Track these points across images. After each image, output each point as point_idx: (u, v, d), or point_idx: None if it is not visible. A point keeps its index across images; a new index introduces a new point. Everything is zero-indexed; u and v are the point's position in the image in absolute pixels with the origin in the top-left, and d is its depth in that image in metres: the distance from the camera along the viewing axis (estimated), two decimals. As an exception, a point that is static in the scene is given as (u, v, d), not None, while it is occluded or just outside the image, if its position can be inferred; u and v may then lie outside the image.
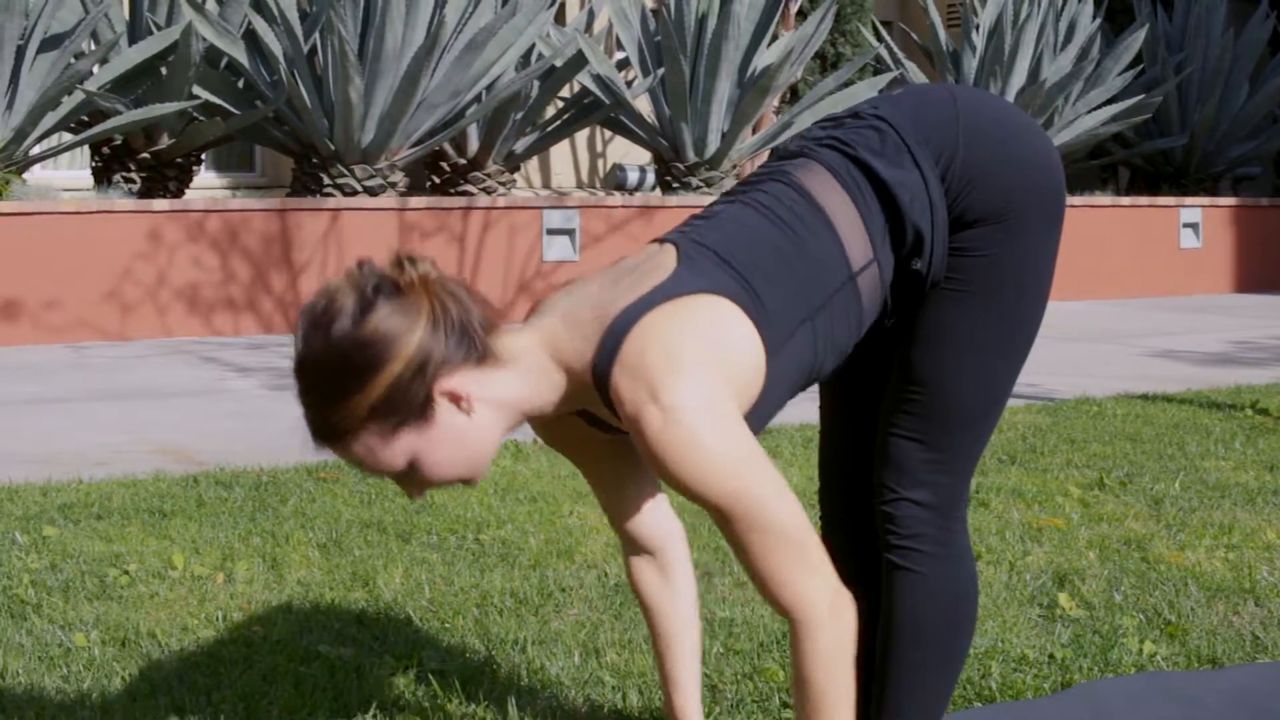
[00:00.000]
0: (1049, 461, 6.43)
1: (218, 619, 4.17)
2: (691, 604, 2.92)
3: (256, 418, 7.81)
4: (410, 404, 2.41)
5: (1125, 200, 16.50)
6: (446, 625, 4.13)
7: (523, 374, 2.51)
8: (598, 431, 2.71)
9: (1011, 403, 8.12)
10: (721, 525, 2.43)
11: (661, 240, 2.64)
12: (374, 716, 3.45)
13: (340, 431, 2.44)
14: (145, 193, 12.73)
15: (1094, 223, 15.87)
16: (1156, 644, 3.95)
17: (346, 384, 2.40)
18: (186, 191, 13.27)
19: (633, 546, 2.89)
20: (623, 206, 13.55)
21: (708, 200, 13.72)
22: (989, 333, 2.71)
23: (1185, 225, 16.62)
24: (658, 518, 2.87)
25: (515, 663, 3.81)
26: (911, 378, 2.73)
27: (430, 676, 3.70)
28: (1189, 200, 16.81)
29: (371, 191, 12.83)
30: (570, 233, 13.24)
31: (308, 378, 2.45)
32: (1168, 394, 8.59)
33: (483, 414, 2.48)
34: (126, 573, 4.58)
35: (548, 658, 3.85)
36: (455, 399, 2.44)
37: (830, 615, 2.42)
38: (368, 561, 4.75)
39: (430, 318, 2.40)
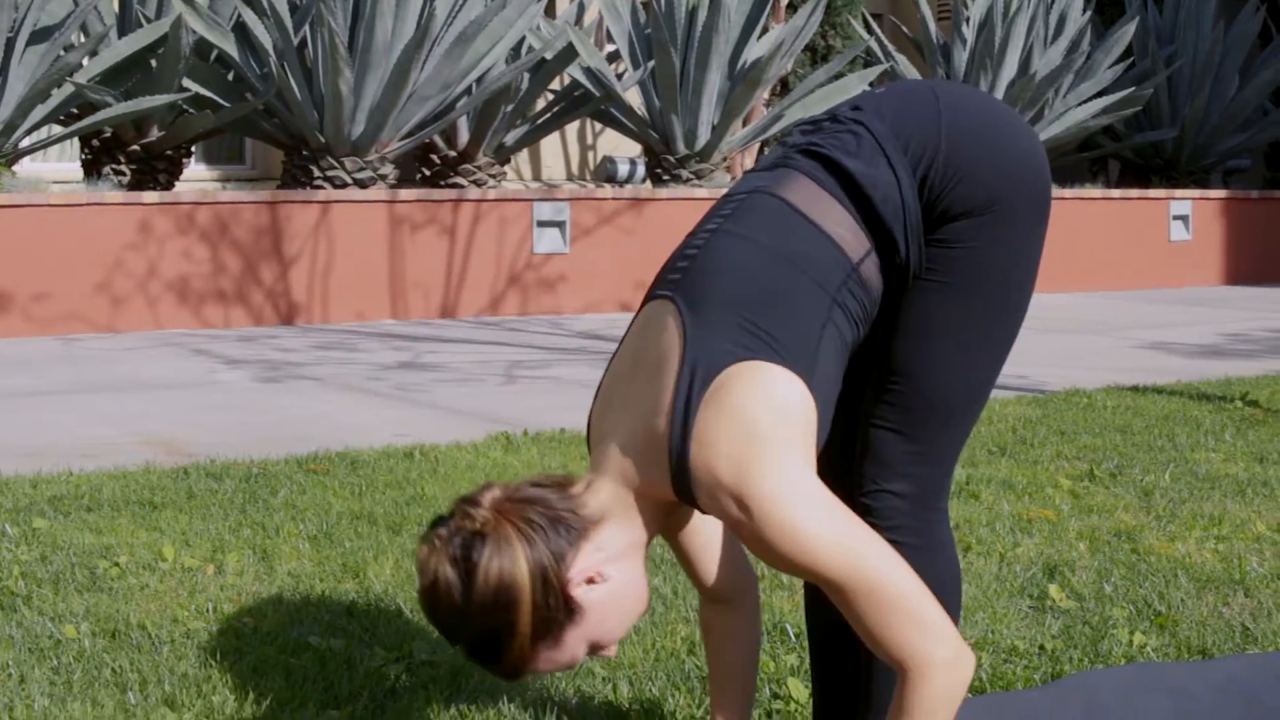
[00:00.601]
0: (1039, 453, 6.43)
1: (208, 610, 4.17)
2: (755, 653, 2.99)
3: (247, 410, 7.80)
4: (556, 614, 2.47)
5: (1115, 193, 16.50)
6: (437, 617, 4.12)
7: (622, 518, 2.56)
8: None
9: (1001, 394, 8.13)
10: (835, 596, 2.46)
11: (659, 296, 2.65)
12: (364, 708, 3.45)
13: (520, 667, 2.52)
14: (135, 185, 12.71)
15: (1084, 215, 15.88)
16: (1147, 635, 3.96)
17: (498, 639, 2.47)
18: (176, 184, 13.24)
19: (707, 593, 2.94)
20: (613, 199, 13.55)
21: (699, 192, 13.73)
22: (971, 325, 2.72)
23: (1175, 218, 16.62)
24: (732, 568, 2.92)
25: (506, 654, 3.81)
26: (893, 369, 2.73)
27: (420, 668, 3.70)
28: (1179, 193, 16.80)
29: (361, 184, 12.81)
30: (560, 225, 13.23)
31: (465, 646, 2.52)
32: (1158, 386, 8.60)
33: (616, 572, 2.53)
34: (117, 564, 4.58)
35: (538, 649, 3.84)
36: (589, 581, 2.50)
37: (946, 668, 2.42)
38: (358, 553, 4.74)
39: (522, 537, 2.45)
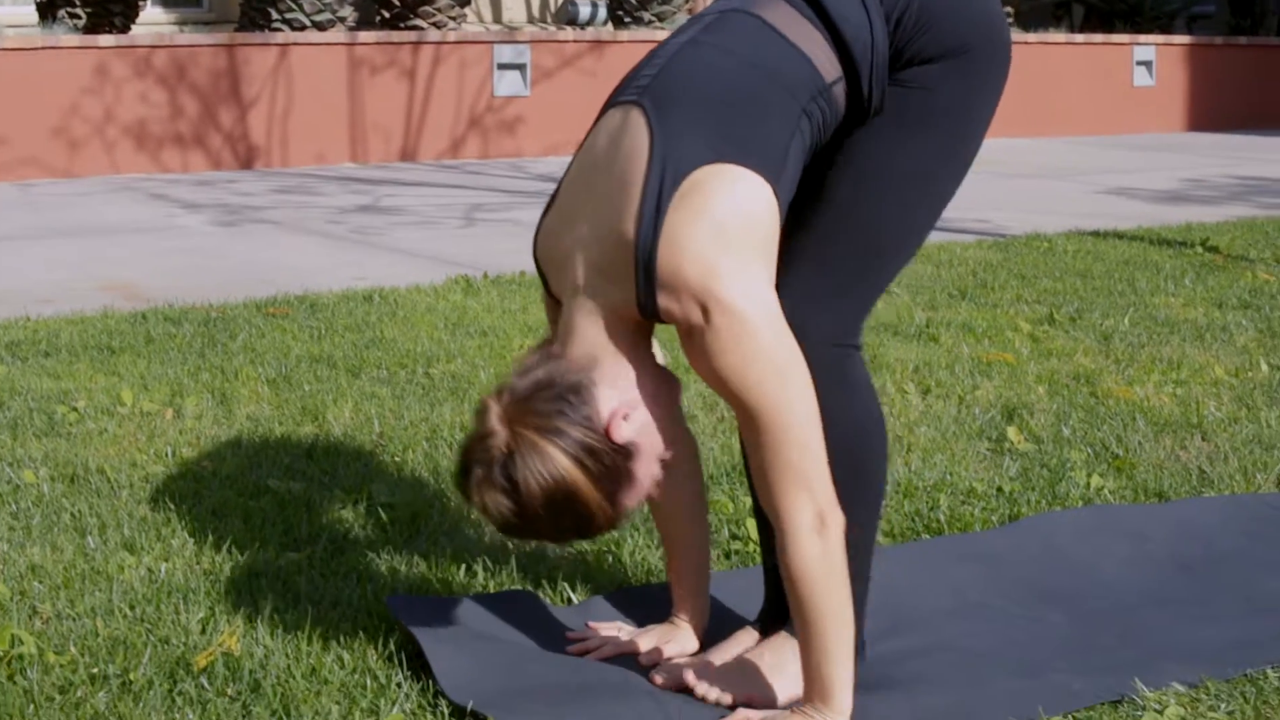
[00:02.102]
0: (999, 297, 6.44)
1: (167, 455, 4.16)
2: (703, 517, 3.00)
3: (205, 254, 7.76)
4: (617, 467, 2.50)
5: (1079, 38, 16.43)
6: (396, 459, 4.13)
7: (610, 347, 2.57)
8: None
9: (962, 238, 8.13)
10: (741, 420, 2.51)
11: (617, 102, 2.64)
12: (324, 550, 3.45)
13: (615, 520, 2.55)
14: (90, 29, 12.56)
15: (1048, 60, 15.81)
16: (1104, 478, 3.97)
17: (581, 520, 2.51)
18: (133, 27, 13.09)
19: None
20: (574, 41, 13.44)
21: (661, 35, 13.61)
22: (916, 169, 2.72)
23: (1139, 63, 16.56)
24: (674, 432, 2.88)
25: (465, 497, 3.81)
26: (826, 200, 2.71)
27: (379, 510, 3.70)
28: (1143, 38, 16.74)
29: (320, 26, 12.68)
30: (521, 68, 13.13)
31: (561, 539, 2.60)
32: (1119, 231, 8.60)
33: (635, 394, 2.56)
34: (75, 409, 4.56)
35: (498, 492, 3.85)
36: (624, 418, 2.51)
37: (811, 532, 2.49)
38: (317, 396, 4.73)
39: (544, 433, 2.46)
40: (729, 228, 2.46)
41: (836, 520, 2.52)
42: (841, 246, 2.71)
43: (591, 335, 2.56)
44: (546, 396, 2.47)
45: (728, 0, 2.73)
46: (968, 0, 2.70)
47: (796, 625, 2.56)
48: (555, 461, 2.44)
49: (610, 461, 2.48)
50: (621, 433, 2.49)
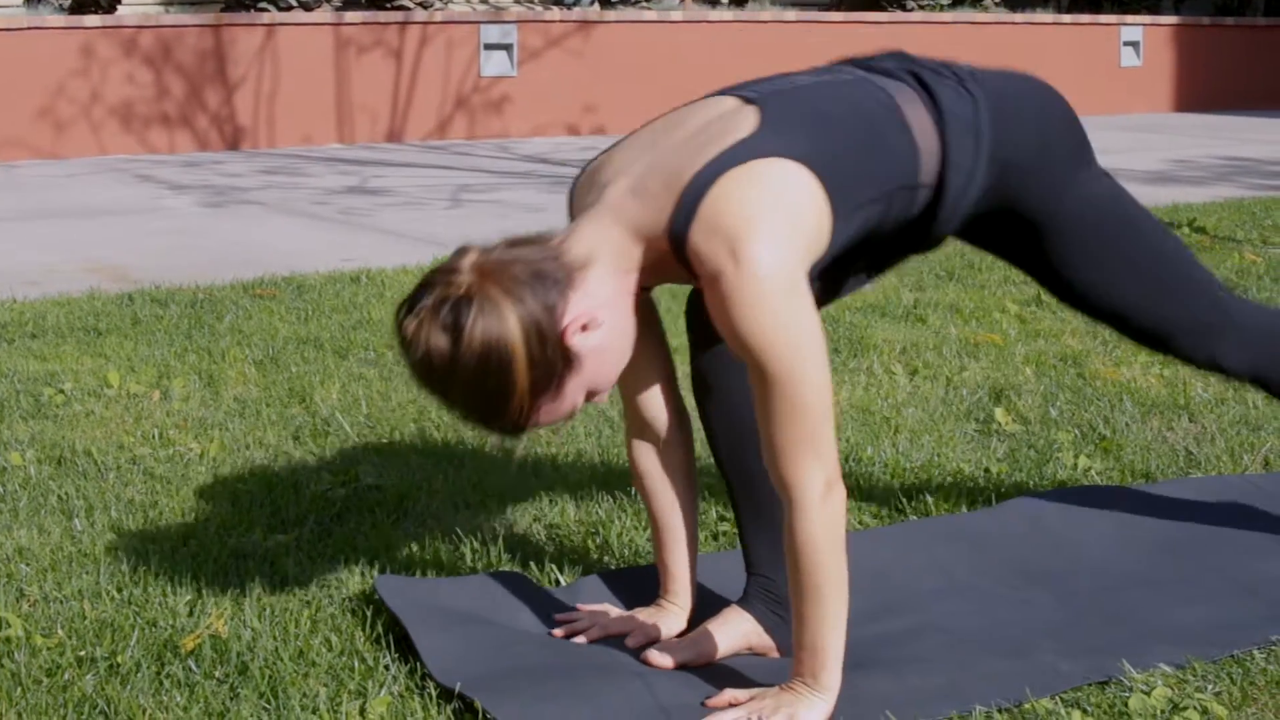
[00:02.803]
0: (986, 278, 6.44)
1: (154, 437, 4.16)
2: (690, 498, 2.97)
3: (192, 235, 7.75)
4: (555, 365, 2.48)
5: (1066, 18, 16.42)
6: (384, 440, 4.13)
7: (609, 262, 2.56)
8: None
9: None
10: (755, 383, 2.50)
11: (737, 95, 2.70)
12: (311, 531, 3.45)
13: (522, 423, 2.52)
14: (76, 9, 12.52)
15: (1034, 40, 15.80)
16: (1091, 459, 3.98)
17: (496, 397, 2.47)
18: (119, 7, 13.06)
19: (639, 428, 2.93)
20: (561, 21, 13.42)
21: (648, 15, 13.61)
22: (1113, 265, 2.98)
23: (1126, 44, 16.56)
24: (668, 406, 2.91)
25: (452, 477, 3.82)
26: (1097, 316, 3.05)
27: (367, 492, 3.70)
28: (1130, 18, 16.74)
29: (306, 6, 12.65)
30: (508, 48, 13.11)
31: (463, 411, 2.52)
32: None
33: (608, 316, 2.54)
34: (62, 391, 4.56)
35: (485, 472, 3.85)
36: (583, 328, 2.50)
37: (819, 501, 2.50)
38: (304, 378, 4.73)
39: (509, 295, 2.44)
40: (786, 200, 2.50)
41: (841, 492, 2.53)
42: (1134, 298, 3.01)
43: (594, 243, 2.56)
44: (524, 269, 2.46)
45: (864, 70, 2.83)
46: (1062, 179, 2.92)
47: (793, 597, 2.57)
48: (507, 323, 2.42)
49: (551, 355, 2.46)
50: (574, 338, 2.48)
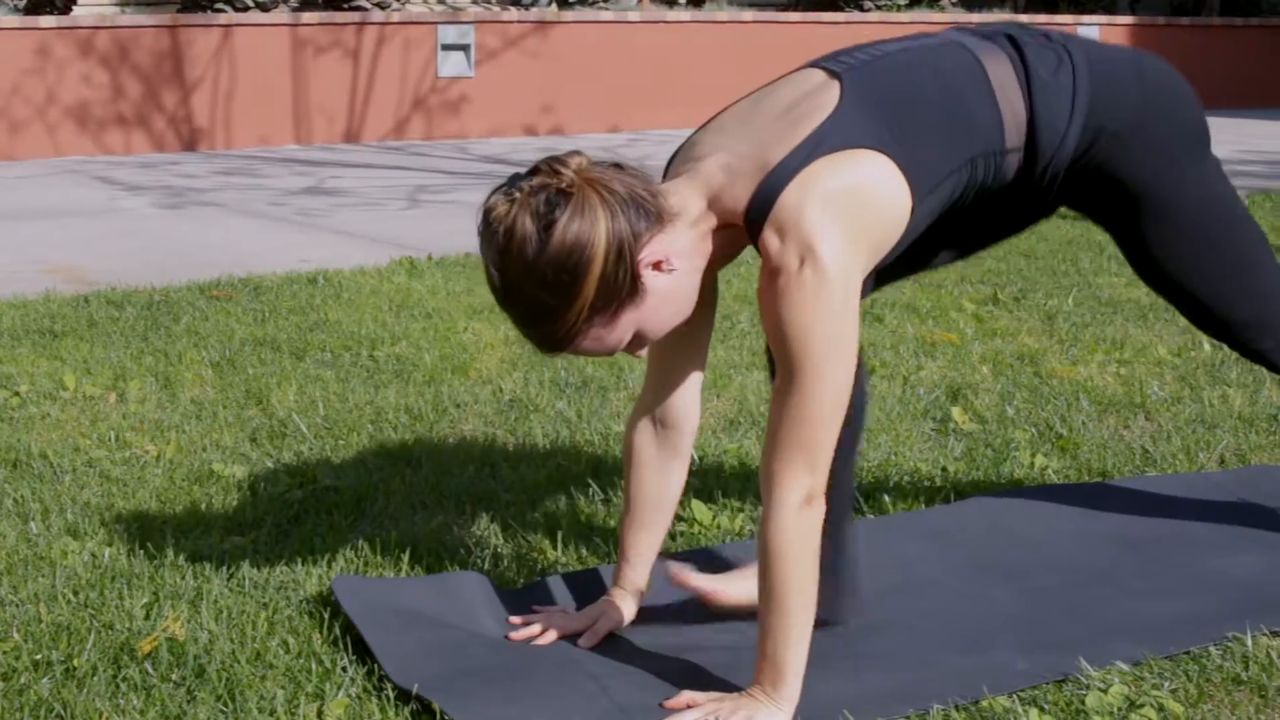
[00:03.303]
0: (943, 277, 6.45)
1: (110, 439, 4.14)
2: (675, 492, 2.98)
3: (148, 236, 7.72)
4: (622, 289, 2.50)
5: (1023, 18, 16.46)
6: (341, 442, 4.12)
7: (694, 223, 2.60)
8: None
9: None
10: (780, 376, 2.53)
11: (824, 68, 2.72)
12: (268, 534, 3.44)
13: (568, 339, 2.53)
14: (31, 9, 12.46)
15: (991, 40, 15.85)
16: (1048, 457, 3.99)
17: (560, 298, 2.48)
18: (74, 8, 13.00)
19: (648, 407, 2.93)
20: (518, 22, 13.41)
21: (605, 15, 13.60)
22: (1194, 256, 2.97)
23: (1082, 42, 16.61)
24: (687, 398, 2.92)
25: (410, 479, 3.81)
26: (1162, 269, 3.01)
27: (325, 493, 3.69)
28: (1086, 18, 16.80)
29: (263, 7, 12.62)
30: (465, 48, 13.10)
31: (519, 305, 2.52)
32: (1062, 211, 8.61)
33: (681, 266, 2.57)
34: (17, 394, 4.54)
35: (442, 473, 3.85)
36: (657, 265, 2.53)
37: (795, 510, 2.52)
38: (261, 379, 4.72)
39: (605, 206, 2.47)
40: (863, 202, 2.54)
41: (821, 508, 2.54)
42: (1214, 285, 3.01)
43: (685, 200, 2.60)
44: (625, 189, 2.50)
45: (956, 34, 2.85)
46: (1172, 149, 2.88)
47: (761, 603, 2.57)
48: (597, 229, 2.45)
49: (622, 278, 2.49)
50: (647, 271, 2.52)
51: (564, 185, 2.46)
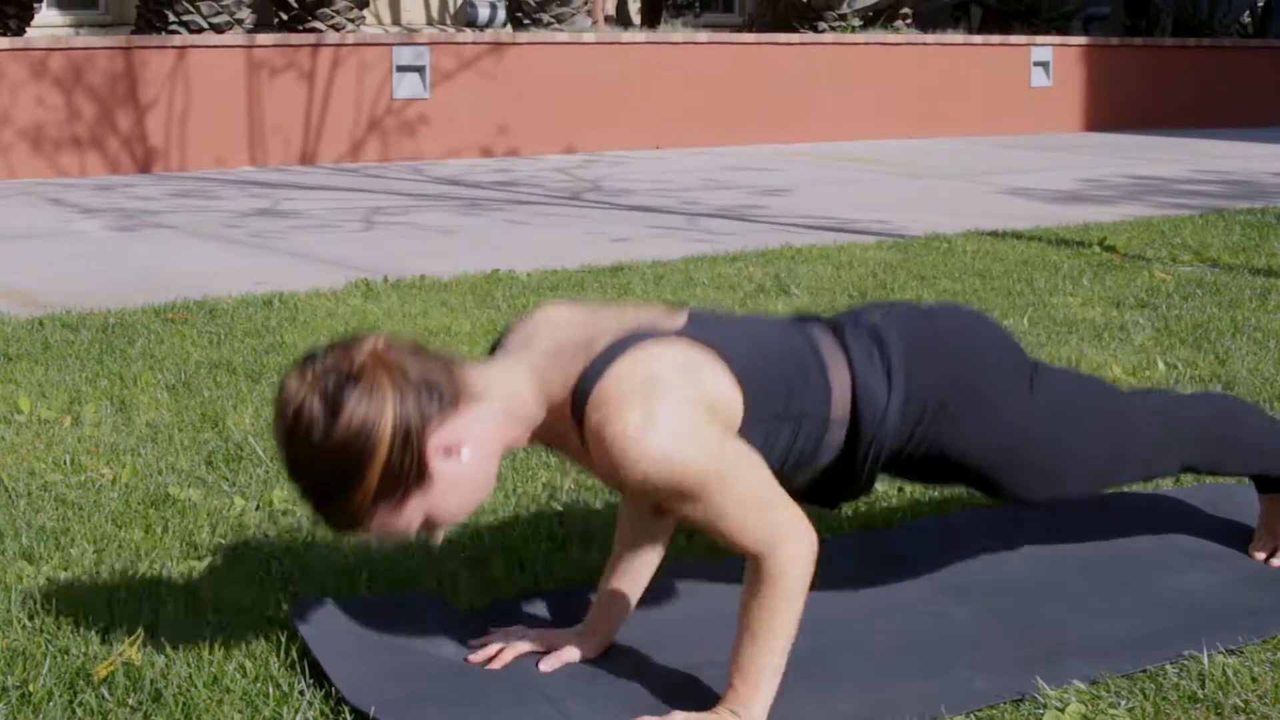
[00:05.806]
0: (899, 297, 6.47)
1: (65, 462, 4.12)
2: (654, 561, 3.02)
3: (103, 259, 7.69)
4: (407, 475, 2.46)
5: (977, 39, 16.55)
6: (298, 466, 4.10)
7: (499, 406, 2.57)
8: None
9: (861, 239, 8.17)
10: (690, 511, 2.56)
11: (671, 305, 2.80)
12: (225, 557, 3.43)
13: (352, 520, 2.50)
14: (-16, 31, 12.44)
15: (946, 61, 15.91)
16: (1004, 476, 3.99)
17: (343, 482, 2.44)
18: (28, 30, 12.97)
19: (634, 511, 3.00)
20: (473, 43, 13.41)
21: (560, 36, 13.62)
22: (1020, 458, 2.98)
23: (1036, 64, 16.70)
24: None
25: (368, 502, 3.79)
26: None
27: (281, 516, 3.68)
28: (1040, 39, 16.88)
29: (218, 29, 12.61)
30: (420, 70, 13.10)
31: (304, 484, 2.49)
32: (1017, 231, 8.66)
33: (475, 452, 2.53)
34: (-29, 417, 4.52)
35: (400, 497, 3.83)
36: (446, 451, 2.49)
37: (795, 539, 2.59)
38: (217, 402, 4.71)
39: (395, 389, 2.43)
40: (690, 384, 2.54)
41: (814, 537, 2.61)
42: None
43: (496, 383, 2.58)
44: (418, 373, 2.47)
45: (791, 319, 2.93)
46: (991, 418, 2.91)
47: (747, 628, 2.60)
48: (383, 415, 2.41)
49: (407, 464, 2.44)
50: (434, 458, 2.48)
51: (354, 369, 2.43)
